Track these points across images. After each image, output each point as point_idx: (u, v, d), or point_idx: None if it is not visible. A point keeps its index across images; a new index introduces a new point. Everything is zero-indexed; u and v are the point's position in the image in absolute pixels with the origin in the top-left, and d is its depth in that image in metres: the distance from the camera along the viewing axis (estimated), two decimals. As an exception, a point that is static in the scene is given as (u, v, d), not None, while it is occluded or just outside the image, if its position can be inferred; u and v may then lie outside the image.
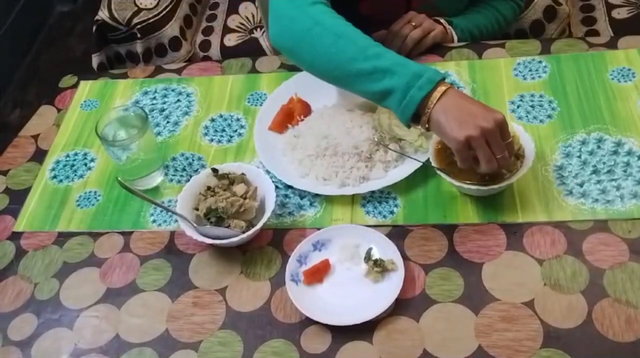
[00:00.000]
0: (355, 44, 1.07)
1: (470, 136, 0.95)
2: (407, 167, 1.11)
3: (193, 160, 1.23)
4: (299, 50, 1.14)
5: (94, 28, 1.75)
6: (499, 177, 1.02)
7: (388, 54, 1.05)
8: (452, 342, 0.92)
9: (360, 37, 1.08)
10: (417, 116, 1.02)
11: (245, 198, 1.06)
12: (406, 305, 0.96)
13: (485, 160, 0.97)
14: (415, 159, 1.10)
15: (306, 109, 1.24)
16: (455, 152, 0.99)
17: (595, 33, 1.64)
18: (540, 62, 1.27)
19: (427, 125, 1.01)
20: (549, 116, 1.17)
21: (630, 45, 1.26)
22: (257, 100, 1.32)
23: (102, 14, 1.74)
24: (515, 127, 1.07)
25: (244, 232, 1.04)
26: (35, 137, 1.34)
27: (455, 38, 1.38)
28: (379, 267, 0.99)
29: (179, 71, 1.44)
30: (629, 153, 1.08)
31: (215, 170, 1.10)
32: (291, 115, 1.23)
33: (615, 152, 1.09)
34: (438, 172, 1.05)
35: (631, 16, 1.65)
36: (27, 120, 1.39)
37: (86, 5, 3.25)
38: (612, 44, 1.27)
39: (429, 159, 1.07)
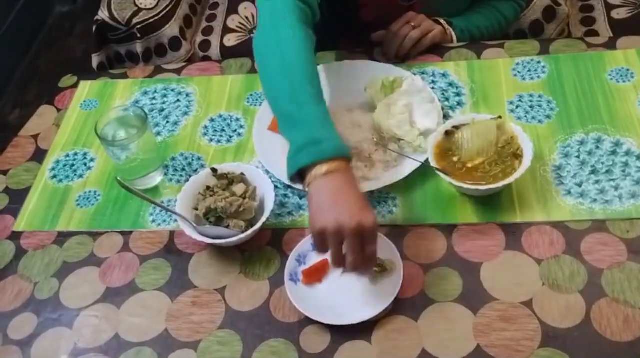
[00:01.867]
0: (291, 83, 1.03)
1: (324, 228, 0.89)
2: (406, 167, 1.11)
3: (192, 160, 1.23)
4: (259, 63, 1.13)
5: (94, 28, 1.75)
6: (498, 177, 1.03)
7: (314, 108, 1.01)
8: (450, 341, 0.92)
9: (304, 79, 1.04)
10: (303, 178, 0.96)
11: (244, 198, 1.07)
12: (405, 305, 0.96)
13: (333, 257, 0.92)
14: (414, 159, 1.10)
15: (305, 109, 1.24)
16: (312, 238, 0.95)
17: (595, 33, 1.64)
18: (539, 62, 1.27)
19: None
20: (548, 116, 1.17)
21: (628, 46, 1.26)
22: (257, 100, 1.32)
23: (102, 14, 1.74)
24: (514, 128, 1.07)
25: (243, 232, 1.04)
26: (35, 137, 1.35)
27: (455, 38, 1.38)
28: (378, 267, 0.99)
29: (178, 71, 1.44)
30: (628, 153, 1.09)
31: (214, 170, 1.10)
32: (290, 115, 1.23)
33: (614, 152, 1.09)
34: (437, 172, 1.05)
35: (630, 16, 1.65)
36: (26, 120, 1.40)
37: (86, 6, 3.25)
38: (610, 45, 1.28)
39: (428, 159, 1.07)
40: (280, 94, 1.05)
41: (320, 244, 0.92)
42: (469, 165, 1.05)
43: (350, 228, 0.88)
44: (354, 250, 0.90)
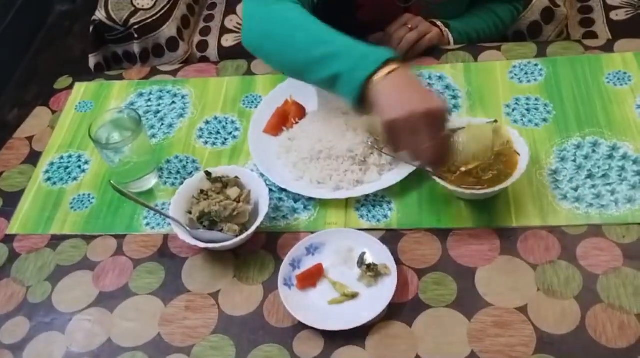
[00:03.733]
0: (310, 32, 1.05)
1: (394, 120, 0.92)
2: (402, 171, 1.10)
3: (187, 162, 1.23)
4: (263, 47, 1.13)
5: (91, 28, 1.74)
6: (494, 181, 1.02)
7: (340, 38, 1.03)
8: (445, 347, 0.91)
9: (316, 26, 1.06)
10: (365, 100, 0.98)
11: (238, 202, 1.06)
12: (399, 310, 0.96)
13: (407, 147, 0.94)
14: (409, 163, 1.09)
15: (301, 112, 1.24)
16: (384, 134, 0.96)
17: (593, 35, 1.63)
18: (536, 65, 1.26)
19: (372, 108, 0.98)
20: (545, 120, 1.17)
21: (626, 49, 1.26)
22: (252, 102, 1.32)
23: (99, 14, 1.73)
24: (510, 131, 1.07)
25: (237, 236, 1.03)
26: (30, 139, 1.34)
27: (452, 40, 1.38)
28: (372, 272, 0.99)
29: (174, 73, 1.44)
30: (624, 157, 1.08)
31: (208, 174, 1.10)
32: (286, 118, 1.23)
33: (610, 156, 1.09)
34: (432, 176, 1.04)
35: (629, 18, 1.64)
36: (25, 120, 1.39)
37: (85, 5, 3.24)
38: (608, 47, 1.27)
39: None
40: (301, 46, 1.05)
41: (394, 139, 0.94)
42: (463, 169, 1.04)
43: (419, 115, 0.90)
44: (425, 135, 0.91)
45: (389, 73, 0.95)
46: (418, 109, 0.91)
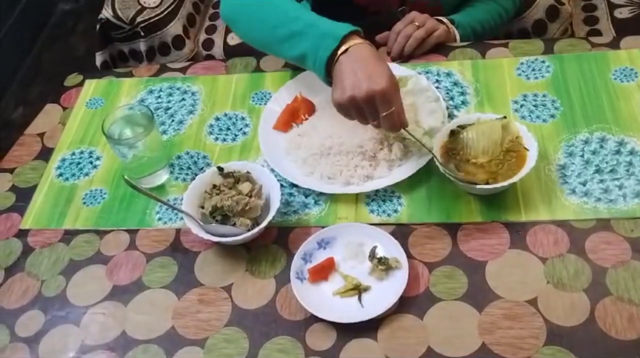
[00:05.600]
0: (276, 10, 1.09)
1: (337, 103, 1.00)
2: (411, 166, 1.12)
3: (198, 158, 1.24)
4: (235, 23, 1.17)
5: (98, 26, 1.76)
6: (503, 176, 1.03)
7: (305, 15, 1.07)
8: (455, 339, 0.92)
9: (284, 3, 1.10)
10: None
11: (250, 197, 1.07)
12: (410, 303, 0.97)
13: (359, 121, 1.03)
14: (424, 146, 1.08)
15: (310, 108, 1.25)
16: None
17: (598, 33, 1.65)
18: (543, 61, 1.27)
19: None
20: (552, 116, 1.18)
21: (632, 46, 1.27)
22: (262, 99, 1.33)
23: (106, 13, 1.74)
24: (519, 127, 1.08)
25: (249, 230, 1.05)
26: (41, 135, 1.35)
27: (458, 37, 1.39)
28: (383, 265, 1.00)
29: (183, 70, 1.44)
30: (632, 152, 1.09)
31: (220, 169, 1.11)
32: (296, 114, 1.24)
33: (618, 152, 1.10)
34: (443, 170, 1.05)
35: (633, 16, 1.65)
36: (29, 119, 1.40)
37: (88, 4, 3.25)
38: (614, 44, 1.28)
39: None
40: (270, 25, 1.10)
41: (344, 115, 1.03)
42: (473, 164, 1.05)
43: (361, 97, 0.97)
44: (371, 114, 1.00)
45: (346, 50, 1.00)
46: (359, 94, 0.97)
